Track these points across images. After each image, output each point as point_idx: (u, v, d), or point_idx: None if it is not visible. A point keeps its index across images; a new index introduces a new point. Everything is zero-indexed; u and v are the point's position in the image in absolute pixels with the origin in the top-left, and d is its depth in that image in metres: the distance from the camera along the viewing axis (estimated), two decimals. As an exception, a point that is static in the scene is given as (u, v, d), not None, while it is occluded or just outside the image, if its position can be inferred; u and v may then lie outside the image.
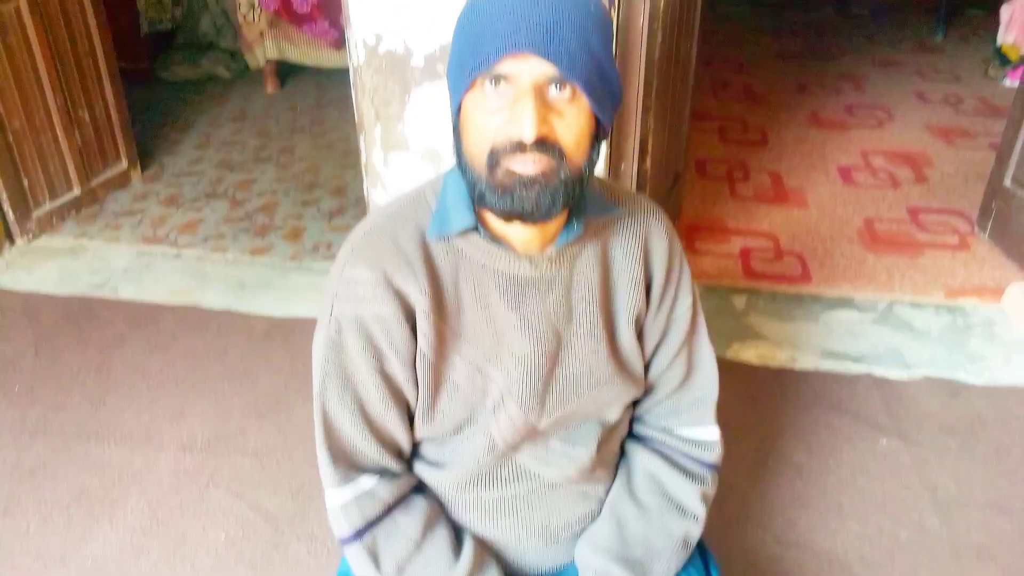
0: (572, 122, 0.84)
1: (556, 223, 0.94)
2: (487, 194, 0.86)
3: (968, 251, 2.76)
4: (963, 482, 1.82)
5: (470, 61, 0.83)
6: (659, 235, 1.05)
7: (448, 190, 0.95)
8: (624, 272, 1.03)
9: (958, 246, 2.80)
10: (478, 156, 0.85)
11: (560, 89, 0.82)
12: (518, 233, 0.94)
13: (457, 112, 0.88)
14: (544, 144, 0.83)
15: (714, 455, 1.13)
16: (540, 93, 0.82)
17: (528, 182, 0.84)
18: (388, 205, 1.00)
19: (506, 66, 0.81)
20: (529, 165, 0.83)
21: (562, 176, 0.85)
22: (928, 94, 4.29)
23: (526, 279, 0.97)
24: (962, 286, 2.56)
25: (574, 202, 0.90)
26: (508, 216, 0.87)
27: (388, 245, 0.94)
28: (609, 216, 1.01)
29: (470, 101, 0.85)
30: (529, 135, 0.81)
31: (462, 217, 0.92)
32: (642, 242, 1.04)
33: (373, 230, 0.96)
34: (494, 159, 0.84)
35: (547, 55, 0.79)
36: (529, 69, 0.80)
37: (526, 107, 0.80)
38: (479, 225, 0.94)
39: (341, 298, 0.95)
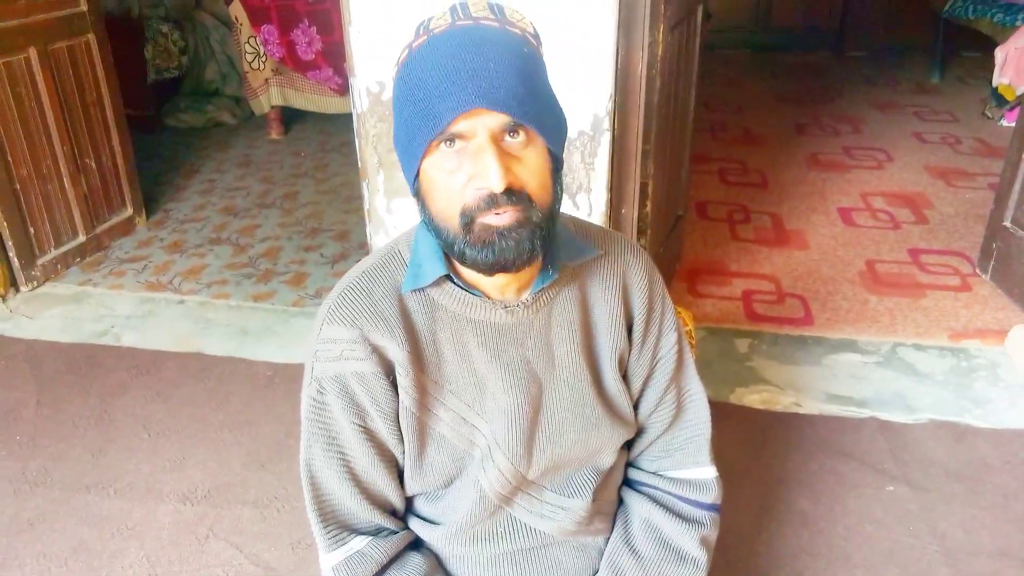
0: (532, 164, 0.85)
1: (531, 268, 0.94)
2: (467, 251, 0.86)
3: (970, 292, 2.76)
4: (971, 530, 1.80)
5: (422, 127, 0.83)
6: (637, 272, 1.05)
7: (420, 243, 0.96)
8: (604, 313, 1.02)
9: (960, 287, 2.80)
10: (450, 217, 0.86)
11: (514, 135, 0.83)
12: (493, 280, 0.94)
13: (415, 179, 0.89)
14: (512, 192, 0.83)
15: (711, 496, 1.11)
16: (497, 143, 0.83)
17: (505, 232, 0.84)
18: (362, 262, 1.01)
19: (460, 125, 0.82)
20: (503, 216, 0.84)
21: (535, 220, 0.86)
22: (926, 135, 4.33)
23: (503, 326, 0.97)
24: (965, 328, 2.55)
25: (551, 243, 0.91)
26: (491, 269, 0.88)
27: (364, 302, 0.94)
28: (585, 259, 1.01)
29: (429, 165, 0.86)
30: (498, 185, 0.81)
31: (434, 267, 0.93)
32: (620, 280, 1.03)
33: (348, 288, 0.96)
34: (468, 218, 0.85)
35: (497, 106, 0.80)
36: (483, 122, 0.81)
37: (489, 159, 0.81)
38: (451, 274, 0.94)
39: (320, 358, 0.95)
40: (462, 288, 0.95)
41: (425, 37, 0.85)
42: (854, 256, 3.05)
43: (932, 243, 3.14)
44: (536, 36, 0.89)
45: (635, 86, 2.00)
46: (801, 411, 2.19)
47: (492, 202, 0.83)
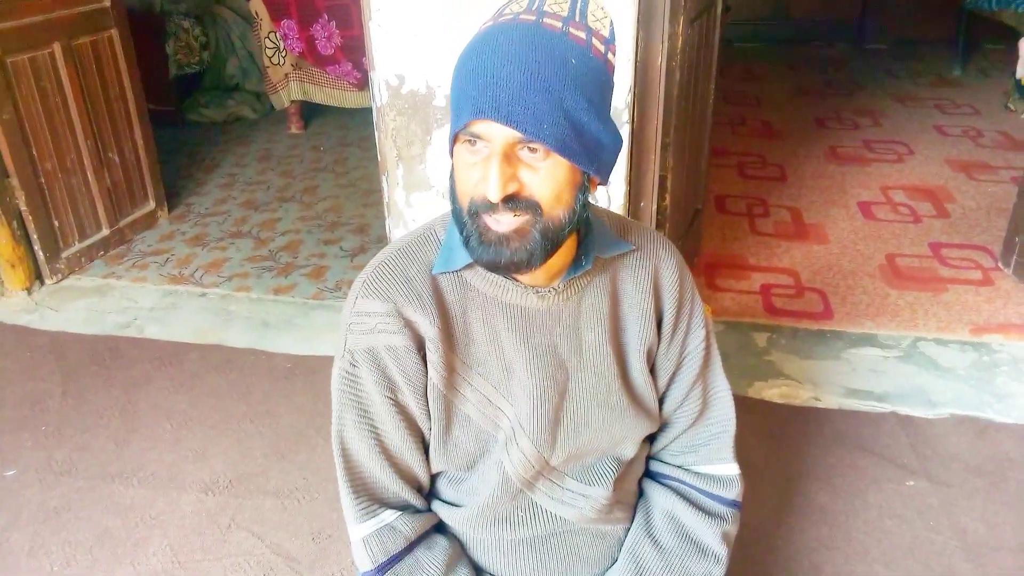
0: (547, 177, 0.85)
1: (564, 257, 0.95)
2: (471, 240, 0.89)
3: (992, 287, 2.74)
4: (993, 525, 1.79)
5: (454, 115, 0.86)
6: (669, 268, 1.06)
7: (455, 228, 0.96)
8: (634, 305, 1.04)
9: (982, 282, 2.77)
10: (463, 203, 0.89)
11: (532, 150, 0.84)
12: None
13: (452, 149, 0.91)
14: (516, 201, 0.85)
15: (734, 492, 1.12)
16: (510, 153, 0.83)
17: (503, 239, 0.86)
18: (399, 240, 1.03)
19: (478, 128, 0.83)
20: (502, 223, 0.86)
21: (539, 229, 0.86)
22: (947, 128, 4.29)
23: (533, 311, 0.98)
24: (987, 323, 2.53)
25: (559, 247, 0.90)
26: (486, 267, 0.90)
27: (398, 278, 0.96)
28: (618, 252, 1.02)
29: (458, 149, 0.88)
30: (494, 195, 0.83)
31: (464, 254, 0.94)
32: (652, 275, 1.05)
33: (383, 264, 0.98)
34: (474, 210, 0.87)
35: (509, 121, 0.80)
36: (499, 131, 0.82)
37: (492, 168, 0.83)
38: None
39: (354, 331, 0.97)
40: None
41: (490, 23, 0.86)
42: (874, 250, 3.03)
43: (953, 237, 3.11)
44: (607, 41, 0.87)
45: (654, 78, 1.99)
46: (820, 405, 2.18)
47: (491, 207, 0.85)
